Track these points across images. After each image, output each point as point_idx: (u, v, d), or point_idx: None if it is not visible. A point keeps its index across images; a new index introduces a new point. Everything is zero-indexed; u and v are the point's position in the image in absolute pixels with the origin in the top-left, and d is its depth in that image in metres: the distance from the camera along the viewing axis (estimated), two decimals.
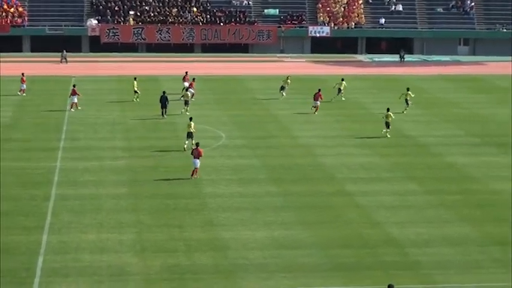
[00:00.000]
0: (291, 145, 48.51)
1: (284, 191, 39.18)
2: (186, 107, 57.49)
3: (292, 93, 65.92)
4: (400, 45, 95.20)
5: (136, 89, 62.35)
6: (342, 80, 64.79)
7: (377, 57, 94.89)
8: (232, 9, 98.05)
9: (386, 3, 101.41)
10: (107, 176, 41.66)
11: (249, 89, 69.26)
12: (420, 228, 33.92)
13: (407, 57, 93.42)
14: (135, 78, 63.71)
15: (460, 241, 32.30)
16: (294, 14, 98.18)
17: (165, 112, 55.64)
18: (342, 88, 64.14)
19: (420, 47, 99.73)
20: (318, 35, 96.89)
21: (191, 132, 47.09)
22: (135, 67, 79.98)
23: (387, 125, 51.32)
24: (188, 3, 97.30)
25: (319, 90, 59.77)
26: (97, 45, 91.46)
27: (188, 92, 58.69)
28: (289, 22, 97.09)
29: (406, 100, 60.07)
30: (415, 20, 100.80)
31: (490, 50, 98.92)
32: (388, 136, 50.97)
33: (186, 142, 46.93)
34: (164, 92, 56.37)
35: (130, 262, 30.23)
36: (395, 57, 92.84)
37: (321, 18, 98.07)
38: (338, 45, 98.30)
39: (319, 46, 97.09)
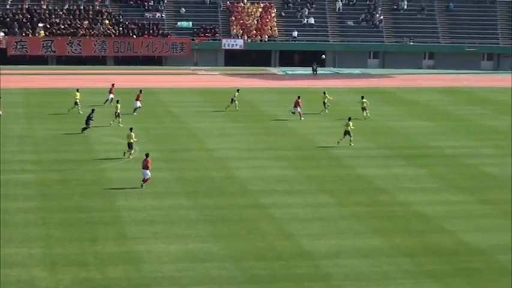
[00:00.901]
0: (206, 158, 48.64)
1: (198, 204, 39.25)
2: (118, 119, 57.37)
3: (206, 106, 66.09)
4: (313, 58, 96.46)
5: (77, 100, 61.84)
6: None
7: (290, 70, 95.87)
8: (145, 21, 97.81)
9: (298, 16, 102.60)
10: (15, 189, 41.02)
11: (163, 101, 69.13)
12: (332, 240, 34.41)
13: (320, 70, 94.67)
14: (77, 90, 63.18)
15: (371, 252, 32.87)
16: (208, 27, 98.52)
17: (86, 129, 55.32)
18: (325, 101, 65.32)
19: (332, 59, 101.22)
20: (231, 47, 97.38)
21: (131, 143, 47.80)
22: (44, 80, 78.95)
23: (347, 133, 52.36)
24: (100, 15, 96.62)
25: (299, 97, 62.06)
26: (4, 58, 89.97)
27: (118, 104, 58.44)
28: (202, 35, 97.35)
29: (363, 108, 62.79)
30: (326, 33, 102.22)
31: (398, 62, 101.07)
32: (352, 144, 52.22)
33: (131, 152, 47.88)
34: (93, 110, 56.20)
35: (40, 276, 29.86)
36: (308, 70, 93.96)
37: (235, 31, 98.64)
38: (252, 57, 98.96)
39: (233, 59, 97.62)
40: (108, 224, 35.88)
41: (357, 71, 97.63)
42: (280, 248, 33.30)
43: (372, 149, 52.69)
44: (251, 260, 31.90)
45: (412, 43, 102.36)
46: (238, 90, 66.54)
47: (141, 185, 42.00)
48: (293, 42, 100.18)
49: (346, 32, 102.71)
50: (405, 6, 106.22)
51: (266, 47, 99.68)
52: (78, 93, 62.52)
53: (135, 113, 61.93)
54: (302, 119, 61.23)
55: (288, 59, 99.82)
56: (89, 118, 55.45)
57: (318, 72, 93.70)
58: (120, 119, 57.38)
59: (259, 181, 43.70)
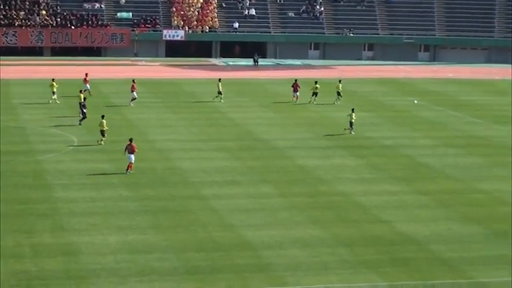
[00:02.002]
0: (147, 149, 48.47)
1: (139, 196, 39.15)
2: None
3: (147, 97, 65.83)
4: (254, 49, 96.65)
5: (55, 90, 62.29)
6: (316, 82, 67.31)
7: (231, 61, 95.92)
8: (84, 12, 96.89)
9: (239, 8, 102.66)
10: None
11: (103, 92, 68.65)
12: (273, 230, 34.64)
13: (261, 61, 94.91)
14: (53, 80, 63.17)
15: (311, 243, 33.18)
16: (148, 18, 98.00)
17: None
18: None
19: (273, 51, 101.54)
20: (172, 38, 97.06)
21: (103, 130, 49.00)
22: None
23: (351, 124, 54.50)
24: (37, 6, 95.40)
25: (296, 80, 65.95)
26: None
27: (81, 94, 58.57)
28: (142, 26, 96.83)
29: (338, 92, 66.48)
30: (268, 24, 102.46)
31: (338, 54, 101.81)
32: (353, 133, 54.11)
33: (103, 139, 49.11)
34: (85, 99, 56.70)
35: None
36: (250, 61, 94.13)
37: (175, 22, 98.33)
38: (192, 49, 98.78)
39: (174, 50, 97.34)
40: (45, 216, 35.61)
41: (298, 62, 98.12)
42: (221, 239, 33.42)
43: (313, 139, 53.07)
44: (192, 251, 31.97)
45: (352, 34, 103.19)
46: (220, 80, 67.13)
47: (127, 171, 42.62)
48: (234, 33, 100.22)
49: (287, 23, 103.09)
50: None
51: (207, 38, 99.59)
52: (54, 83, 62.79)
53: (132, 104, 62.53)
54: (296, 101, 65.54)
55: (229, 50, 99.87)
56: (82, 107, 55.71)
57: (259, 64, 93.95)
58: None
59: (200, 172, 43.75)
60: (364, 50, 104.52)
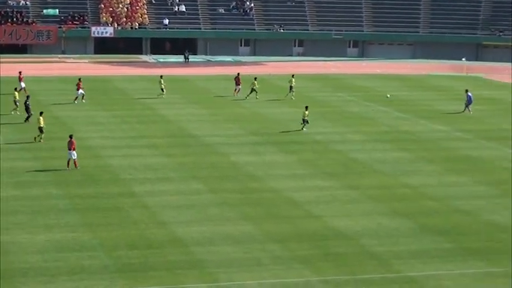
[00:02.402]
0: (77, 146, 47.84)
1: (68, 194, 38.73)
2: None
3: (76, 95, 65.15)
4: (185, 46, 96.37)
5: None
6: (255, 78, 67.84)
7: (162, 58, 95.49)
8: (8, 9, 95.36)
9: (169, 4, 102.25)
10: None
11: (29, 90, 67.63)
12: (204, 227, 34.63)
13: (192, 58, 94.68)
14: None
15: (242, 239, 33.26)
16: (76, 14, 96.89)
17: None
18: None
19: (204, 47, 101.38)
20: (101, 35, 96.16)
21: (41, 127, 48.81)
22: None
23: (303, 121, 55.11)
24: None
25: (238, 74, 68.22)
26: None
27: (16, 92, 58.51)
28: (70, 22, 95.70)
29: (291, 87, 67.48)
30: (198, 20, 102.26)
31: (269, 50, 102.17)
32: (305, 130, 54.75)
33: (42, 136, 49.14)
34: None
35: None
36: (180, 58, 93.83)
37: (104, 18, 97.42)
38: (122, 45, 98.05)
39: (103, 47, 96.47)
40: None
41: (229, 58, 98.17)
42: (152, 236, 33.29)
43: (244, 135, 53.18)
44: (123, 249, 31.77)
45: (282, 30, 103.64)
46: (161, 77, 67.31)
47: (68, 168, 42.94)
48: (164, 29, 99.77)
49: (217, 20, 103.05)
50: None
51: (137, 34, 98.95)
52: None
53: (77, 101, 62.37)
54: (237, 95, 66.71)
55: (159, 46, 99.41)
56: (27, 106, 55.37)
57: (189, 60, 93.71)
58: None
59: (131, 169, 43.49)
60: (295, 46, 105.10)
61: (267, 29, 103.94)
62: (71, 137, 43.70)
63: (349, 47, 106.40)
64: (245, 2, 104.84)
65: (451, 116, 62.70)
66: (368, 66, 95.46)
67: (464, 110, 63.74)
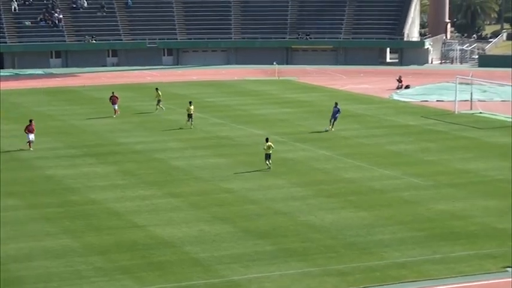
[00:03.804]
0: None
1: None
2: None
3: None
4: None
5: None
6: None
7: None
8: None
9: None
10: None
11: None
12: (21, 243, 33.49)
13: None
14: None
15: (62, 253, 32.38)
16: None
17: None
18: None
19: (11, 61, 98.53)
20: None
21: None
22: None
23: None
24: None
25: (113, 92, 65.23)
26: None
27: None
28: None
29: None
30: (3, 34, 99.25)
31: (82, 61, 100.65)
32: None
33: None
34: None
35: None
36: None
37: None
38: None
39: None
40: None
41: (39, 71, 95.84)
42: None
43: (60, 149, 52.01)
44: None
45: (94, 41, 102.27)
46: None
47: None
48: None
49: (24, 33, 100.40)
50: (85, 5, 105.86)
51: None
52: None
53: None
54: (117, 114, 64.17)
55: None
56: None
57: None
58: None
59: None
60: (108, 56, 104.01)
61: (78, 40, 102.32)
62: (30, 121, 50.53)
63: (164, 55, 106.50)
64: (53, 13, 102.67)
65: (267, 120, 63.87)
66: (184, 74, 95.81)
67: (330, 124, 58.71)
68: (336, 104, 59.80)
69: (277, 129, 59.60)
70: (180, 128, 57.87)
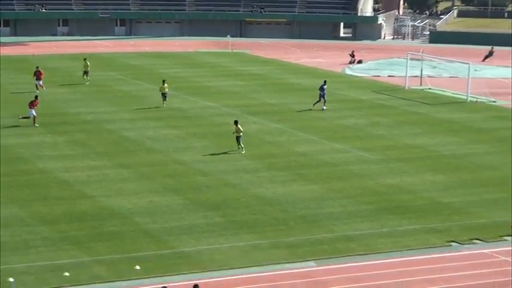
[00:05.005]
0: None
1: None
2: None
3: None
4: None
5: None
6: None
7: None
8: None
9: None
10: None
11: None
12: None
13: None
14: None
15: (10, 222, 32.08)
16: None
17: None
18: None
19: None
20: None
21: None
22: None
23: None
24: None
25: (37, 67, 61.03)
26: None
27: None
28: None
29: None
30: None
31: (31, 30, 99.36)
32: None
33: None
34: None
35: None
36: None
37: None
38: None
39: None
40: None
41: None
42: None
43: (8, 117, 51.40)
44: None
45: (44, 10, 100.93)
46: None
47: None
48: None
49: None
50: None
51: None
52: None
53: None
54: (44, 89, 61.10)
55: None
56: None
57: None
58: None
59: None
60: (59, 25, 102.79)
61: (28, 9, 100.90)
62: (36, 97, 50.49)
63: (117, 25, 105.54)
64: None
65: (220, 92, 63.78)
66: (137, 45, 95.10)
67: (320, 102, 57.01)
68: (325, 82, 58.18)
69: (229, 101, 59.56)
70: (157, 107, 56.10)
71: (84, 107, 55.82)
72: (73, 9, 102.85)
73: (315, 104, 56.84)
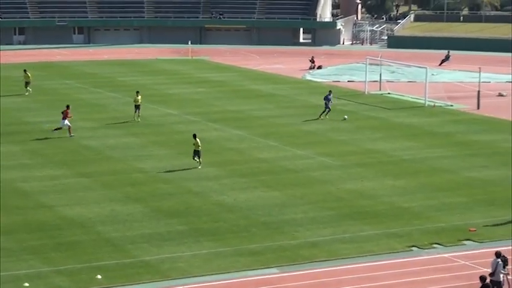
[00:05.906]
0: None
1: None
2: None
3: None
4: None
5: None
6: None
7: None
8: None
9: None
10: None
11: None
12: None
13: None
14: None
15: None
16: None
17: None
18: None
19: None
20: None
21: None
22: None
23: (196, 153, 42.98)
24: None
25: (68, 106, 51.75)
26: None
27: None
28: None
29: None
30: None
31: None
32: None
33: None
34: None
35: None
36: None
37: None
38: None
39: None
40: None
41: None
42: None
43: None
44: None
45: (0, 19, 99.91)
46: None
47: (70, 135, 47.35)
48: None
49: None
50: None
51: None
52: None
53: None
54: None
55: None
56: None
57: None
58: None
59: None
60: (15, 34, 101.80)
61: None
62: (67, 107, 49.37)
63: (75, 33, 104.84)
64: None
65: (180, 99, 63.58)
66: (95, 53, 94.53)
67: (325, 113, 56.10)
68: (330, 92, 57.71)
69: (190, 109, 59.37)
70: (126, 121, 55.01)
71: (41, 116, 55.26)
72: (29, 18, 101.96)
73: (321, 114, 56.04)
